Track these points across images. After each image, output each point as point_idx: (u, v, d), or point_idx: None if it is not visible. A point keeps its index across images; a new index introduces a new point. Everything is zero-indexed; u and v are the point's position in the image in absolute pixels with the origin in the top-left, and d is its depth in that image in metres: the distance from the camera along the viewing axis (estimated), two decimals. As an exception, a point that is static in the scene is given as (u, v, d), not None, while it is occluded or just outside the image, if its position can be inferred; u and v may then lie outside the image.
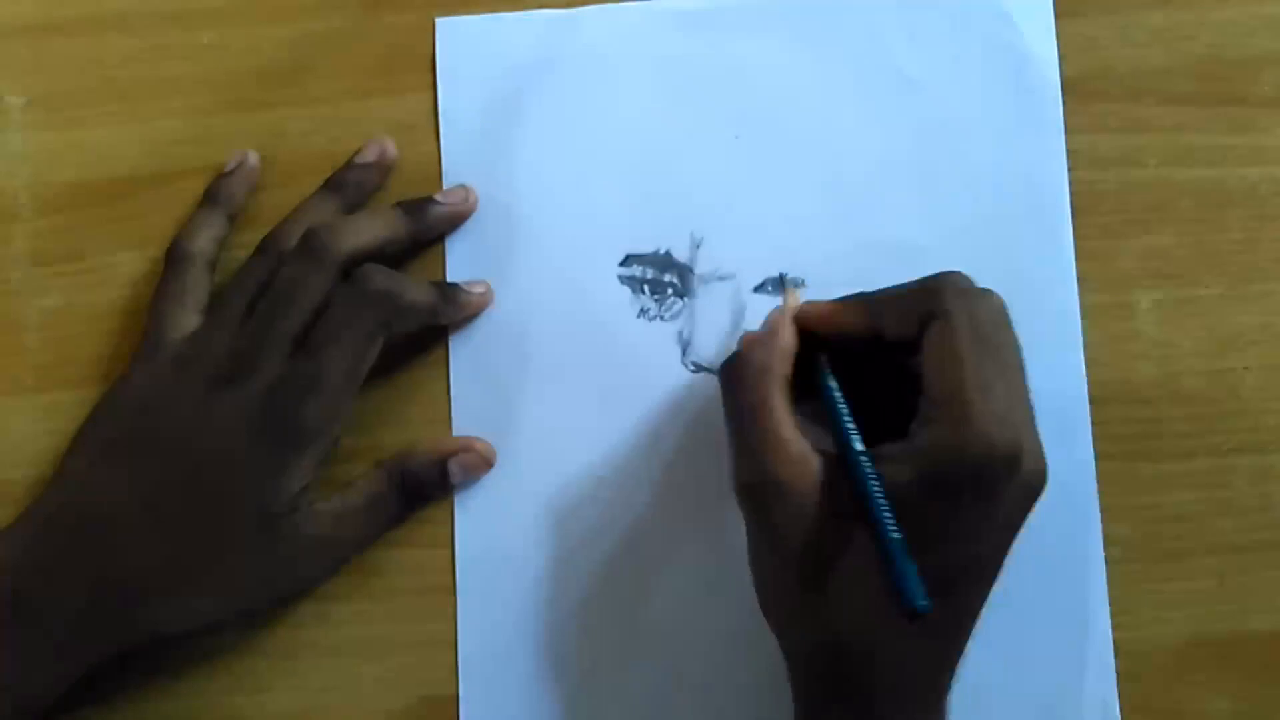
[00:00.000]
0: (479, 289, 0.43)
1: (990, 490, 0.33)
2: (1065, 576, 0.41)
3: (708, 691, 0.41)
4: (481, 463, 0.42)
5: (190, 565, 0.39)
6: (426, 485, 0.42)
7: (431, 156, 0.44)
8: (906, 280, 0.36)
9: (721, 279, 0.43)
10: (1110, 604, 0.41)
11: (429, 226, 0.43)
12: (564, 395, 0.42)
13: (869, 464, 0.34)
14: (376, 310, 0.39)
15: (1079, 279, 0.42)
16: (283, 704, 0.42)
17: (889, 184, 0.43)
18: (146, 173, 0.44)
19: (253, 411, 0.38)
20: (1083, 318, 0.42)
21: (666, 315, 0.43)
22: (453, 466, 0.41)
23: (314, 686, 0.42)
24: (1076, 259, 0.42)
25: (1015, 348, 0.36)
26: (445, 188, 0.44)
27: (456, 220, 0.43)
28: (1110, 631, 0.41)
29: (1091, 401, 0.42)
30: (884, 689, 0.35)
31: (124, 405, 0.41)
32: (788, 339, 0.37)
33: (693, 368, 0.43)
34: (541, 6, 0.44)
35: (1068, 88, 0.43)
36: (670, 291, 0.43)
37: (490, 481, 0.42)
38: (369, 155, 0.43)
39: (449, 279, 0.43)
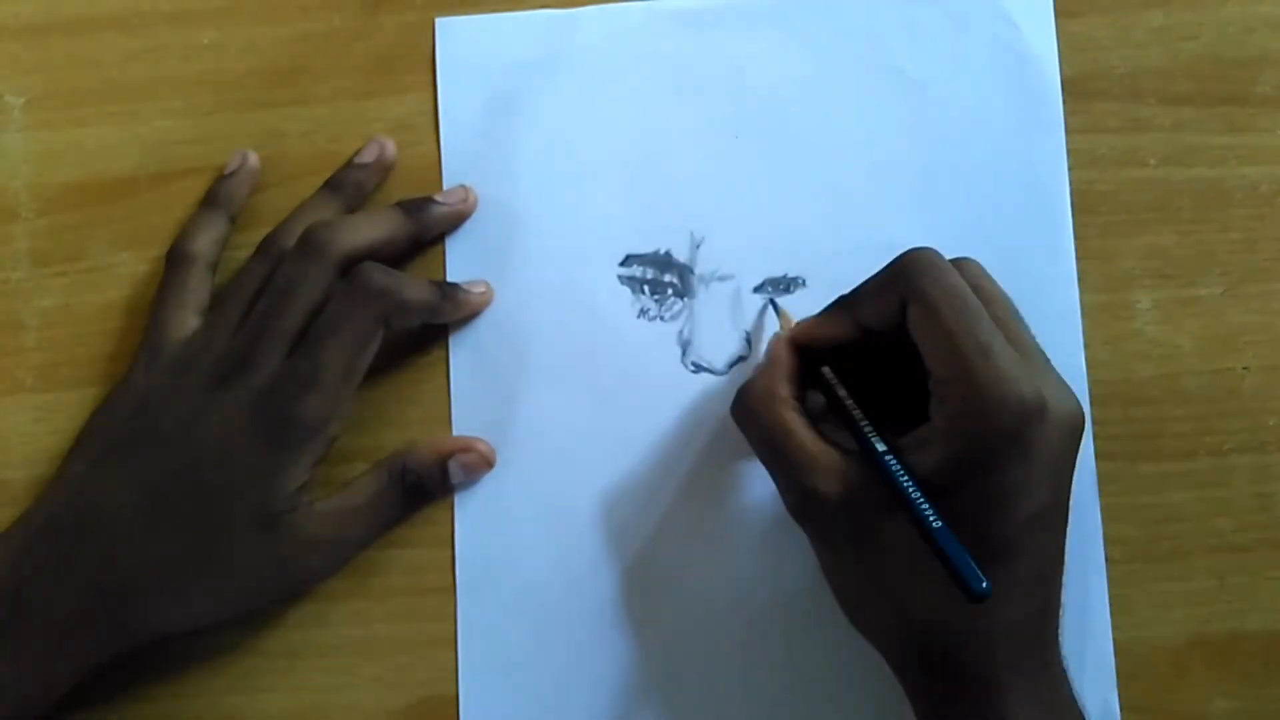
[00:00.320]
0: (479, 288, 0.43)
1: (1024, 446, 0.34)
2: (1065, 576, 0.41)
3: (709, 691, 0.41)
4: (482, 462, 0.42)
5: (189, 565, 0.39)
6: (427, 484, 0.41)
7: (431, 156, 0.44)
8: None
9: (721, 279, 0.43)
10: (1110, 604, 0.41)
11: (429, 226, 0.43)
12: (564, 395, 0.42)
13: (894, 463, 0.34)
14: (374, 307, 0.39)
15: (1079, 279, 0.42)
16: (283, 704, 0.42)
17: (889, 184, 0.43)
18: (146, 173, 0.44)
19: (251, 409, 0.38)
20: (1083, 318, 0.42)
21: (666, 315, 0.43)
22: (453, 466, 0.41)
23: (314, 686, 0.42)
24: (1076, 259, 0.42)
25: (1004, 300, 0.36)
26: (445, 188, 0.44)
27: (456, 220, 0.43)
28: (1110, 631, 0.41)
29: (1091, 401, 0.42)
30: (988, 660, 0.35)
31: (123, 406, 0.41)
32: (787, 363, 0.38)
33: (693, 368, 0.43)
34: (541, 6, 0.44)
35: (1068, 88, 0.43)
36: (670, 291, 0.43)
37: (490, 481, 0.42)
38: (368, 155, 0.43)
39: (449, 279, 0.43)
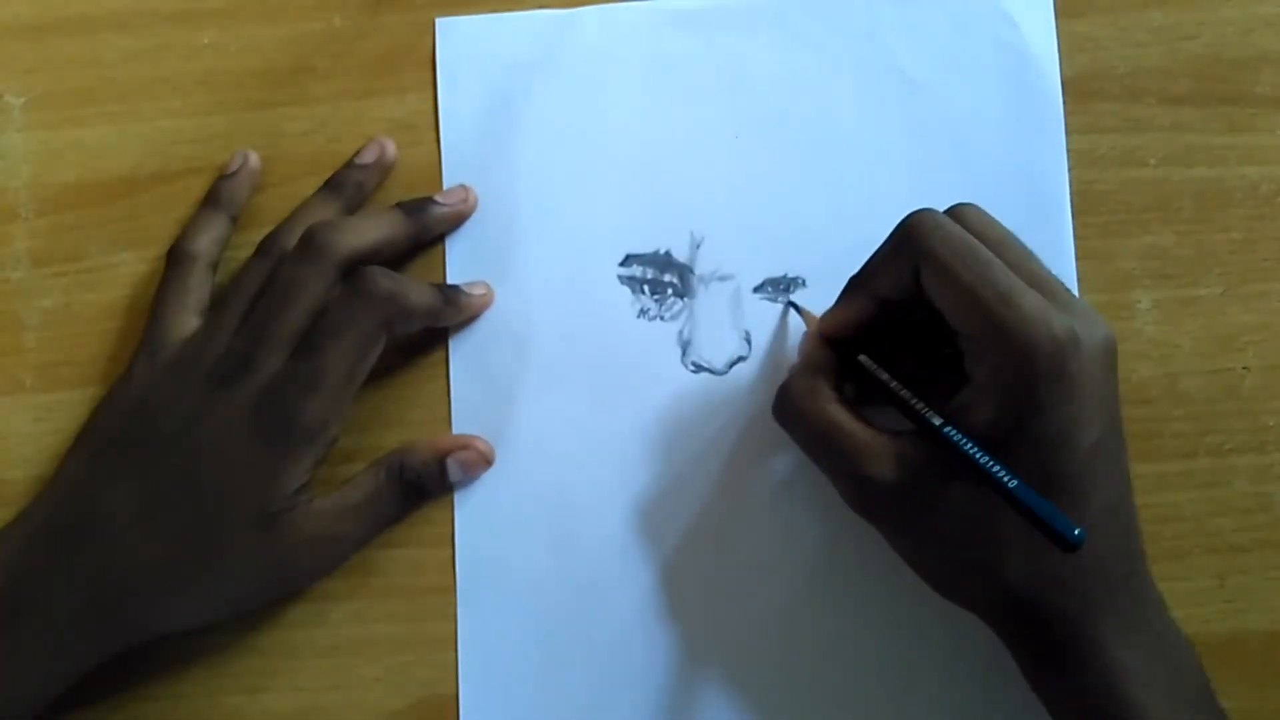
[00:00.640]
0: (479, 290, 0.43)
1: (1067, 382, 0.34)
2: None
3: (709, 690, 0.41)
4: (480, 460, 0.42)
5: (188, 564, 0.39)
6: (425, 482, 0.41)
7: (431, 156, 0.44)
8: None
9: (721, 279, 0.43)
10: (1110, 604, 0.41)
11: (429, 227, 0.43)
12: (564, 395, 0.42)
13: (955, 434, 0.34)
14: (378, 312, 0.39)
15: (1079, 279, 0.42)
16: (282, 704, 0.42)
17: (889, 183, 0.43)
18: (146, 173, 0.44)
19: (251, 410, 0.38)
20: (1083, 317, 0.42)
21: (666, 315, 0.43)
22: (451, 464, 0.41)
23: (314, 686, 0.42)
24: (1076, 259, 0.42)
25: (1013, 242, 0.36)
26: (445, 188, 0.44)
27: (456, 220, 0.43)
28: (1110, 631, 0.41)
29: (1091, 401, 0.42)
30: (1081, 603, 0.35)
31: (123, 406, 0.41)
32: (820, 357, 0.38)
33: (693, 368, 0.43)
34: (541, 6, 0.44)
35: (1068, 88, 0.43)
36: (670, 291, 0.43)
37: (490, 481, 0.42)
38: (369, 156, 0.43)
39: (449, 279, 0.43)
